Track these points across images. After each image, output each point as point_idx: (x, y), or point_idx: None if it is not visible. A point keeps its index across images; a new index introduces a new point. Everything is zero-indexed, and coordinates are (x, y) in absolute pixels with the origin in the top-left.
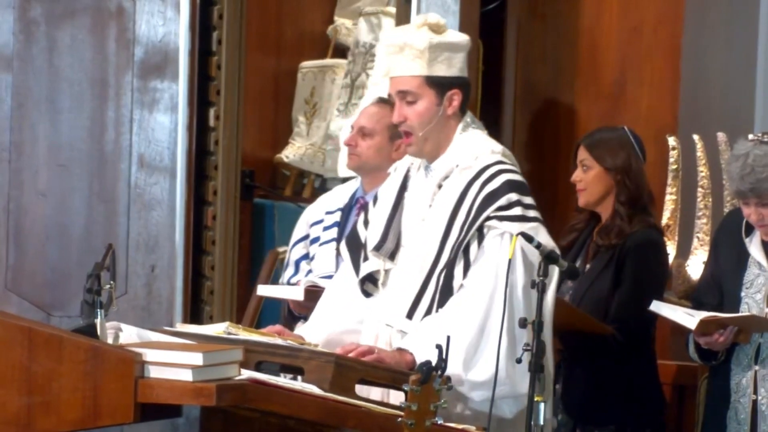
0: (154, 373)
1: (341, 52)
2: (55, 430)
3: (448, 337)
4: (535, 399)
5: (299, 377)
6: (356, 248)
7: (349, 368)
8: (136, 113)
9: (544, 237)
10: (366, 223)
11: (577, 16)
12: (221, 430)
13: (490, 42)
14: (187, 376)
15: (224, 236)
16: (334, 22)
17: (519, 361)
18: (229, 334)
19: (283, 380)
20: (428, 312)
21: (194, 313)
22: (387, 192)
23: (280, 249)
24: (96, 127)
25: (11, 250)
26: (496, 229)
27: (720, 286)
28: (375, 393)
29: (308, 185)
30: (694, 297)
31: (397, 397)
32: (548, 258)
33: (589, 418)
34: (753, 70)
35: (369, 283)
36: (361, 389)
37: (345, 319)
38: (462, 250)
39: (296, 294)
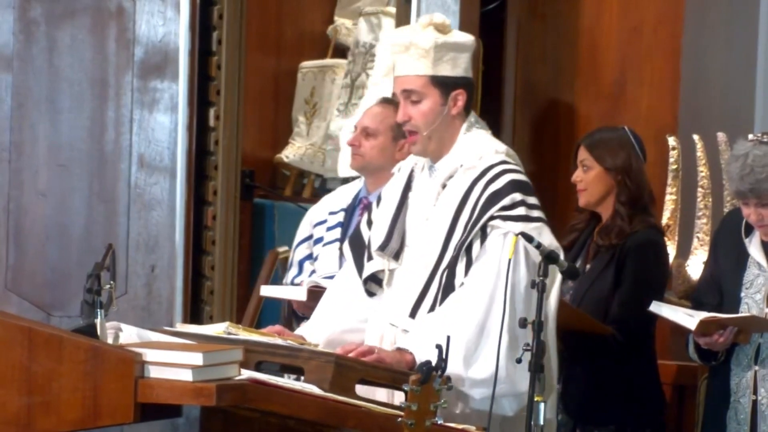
0: (154, 373)
1: (341, 52)
2: (55, 430)
3: (448, 337)
4: (535, 399)
5: (302, 378)
6: (359, 248)
7: (349, 368)
8: (136, 113)
9: (547, 237)
10: (369, 223)
11: (577, 16)
12: (221, 430)
13: (490, 42)
14: (187, 376)
15: (224, 236)
16: (334, 22)
17: (519, 361)
18: (229, 334)
19: (284, 380)
20: (431, 311)
21: (194, 313)
22: (391, 192)
23: (280, 249)
24: (96, 127)
25: (11, 250)
26: (499, 228)
27: (720, 287)
28: (380, 394)
29: (308, 185)
30: (693, 297)
31: (400, 398)
32: (548, 258)
33: (589, 418)
34: (753, 70)
35: (372, 283)
36: (366, 390)
37: (346, 319)
38: (464, 249)
39: (299, 294)
